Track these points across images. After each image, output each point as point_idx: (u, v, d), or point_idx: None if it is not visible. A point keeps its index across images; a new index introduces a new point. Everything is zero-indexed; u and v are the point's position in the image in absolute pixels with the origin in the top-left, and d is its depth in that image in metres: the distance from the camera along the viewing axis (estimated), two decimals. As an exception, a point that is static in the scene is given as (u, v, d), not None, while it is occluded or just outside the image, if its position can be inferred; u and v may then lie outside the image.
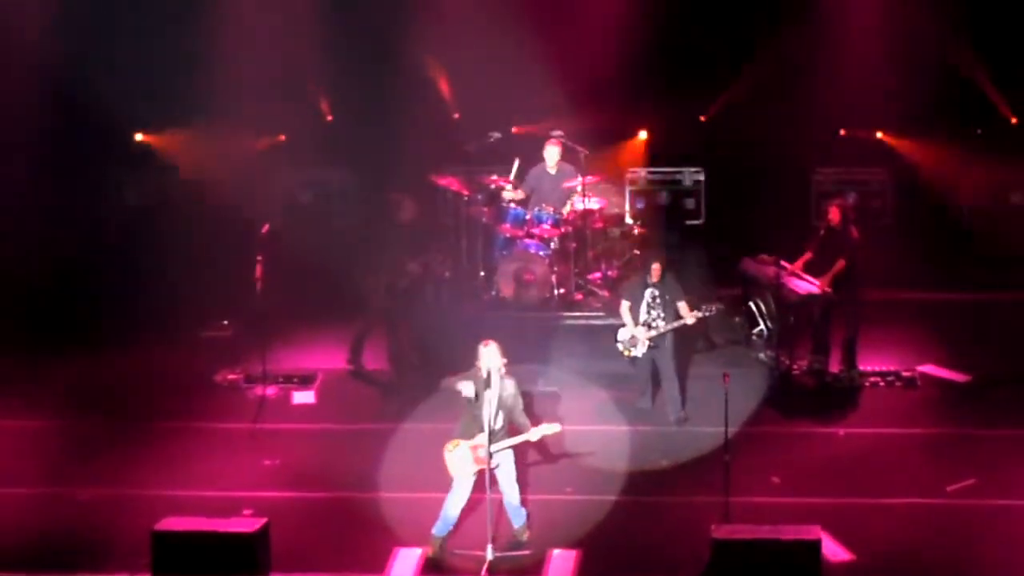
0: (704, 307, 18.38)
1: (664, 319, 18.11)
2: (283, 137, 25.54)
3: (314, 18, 24.27)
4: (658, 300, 18.15)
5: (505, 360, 14.69)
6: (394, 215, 19.82)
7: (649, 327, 18.18)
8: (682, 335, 18.53)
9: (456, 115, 24.79)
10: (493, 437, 14.61)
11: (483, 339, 14.81)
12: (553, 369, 19.40)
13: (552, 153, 20.91)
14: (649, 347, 18.24)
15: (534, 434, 14.79)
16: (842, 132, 24.53)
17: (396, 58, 24.07)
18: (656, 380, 18.52)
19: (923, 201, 24.09)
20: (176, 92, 23.98)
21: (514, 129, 22.57)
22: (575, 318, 20.38)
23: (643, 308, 18.22)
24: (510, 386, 14.77)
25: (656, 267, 18.11)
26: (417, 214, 20.07)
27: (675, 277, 18.45)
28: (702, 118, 24.84)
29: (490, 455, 14.61)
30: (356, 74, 24.37)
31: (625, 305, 18.39)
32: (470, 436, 14.73)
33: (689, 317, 18.07)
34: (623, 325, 18.41)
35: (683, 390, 18.44)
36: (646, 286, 18.21)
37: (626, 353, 18.46)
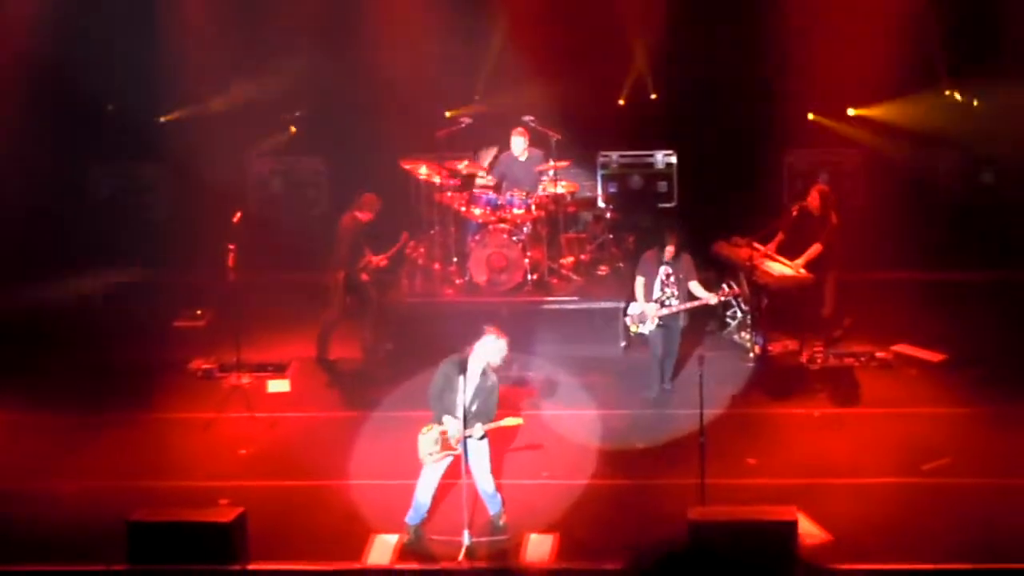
0: (720, 291, 18.48)
1: (677, 298, 18.03)
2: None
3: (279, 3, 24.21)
4: (672, 278, 18.05)
5: (500, 363, 14.71)
6: (360, 213, 19.77)
7: (662, 305, 18.08)
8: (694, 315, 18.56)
9: (426, 99, 24.70)
10: (465, 423, 14.60)
11: (499, 330, 14.88)
12: (527, 354, 19.37)
13: (518, 141, 20.88)
14: (658, 325, 18.11)
15: (492, 426, 14.77)
16: (810, 116, 24.45)
17: (363, 43, 23.97)
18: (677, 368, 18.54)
19: (896, 180, 24.04)
20: (145, 78, 23.91)
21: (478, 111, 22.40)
22: (548, 303, 20.36)
23: (656, 285, 18.11)
24: (490, 378, 14.76)
25: (670, 248, 17.97)
26: (379, 211, 19.99)
27: (690, 256, 18.33)
28: (653, 96, 24.69)
29: (464, 440, 14.61)
30: (324, 60, 24.26)
31: (639, 281, 18.25)
32: (442, 421, 14.73)
33: (711, 297, 18.07)
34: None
35: (676, 368, 18.53)
36: (660, 263, 18.09)
37: (633, 329, 18.36)
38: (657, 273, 18.07)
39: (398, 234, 20.43)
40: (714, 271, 20.59)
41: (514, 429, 15.36)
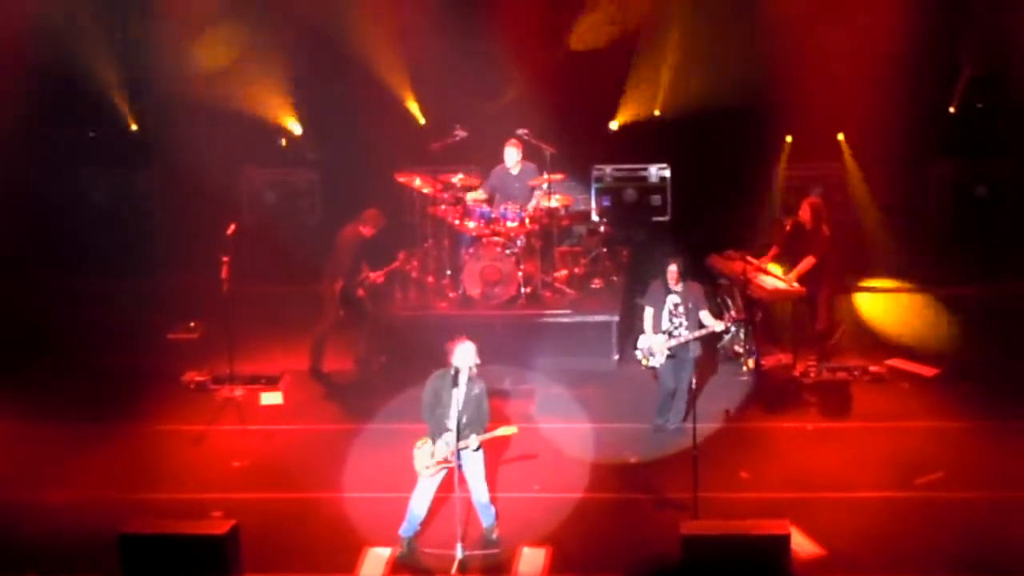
0: (728, 317, 18.23)
1: (687, 328, 17.45)
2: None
3: (278, 19, 24.23)
4: (680, 308, 17.44)
5: (478, 361, 14.69)
6: (363, 228, 19.77)
7: (670, 336, 17.42)
8: (706, 344, 17.92)
9: (422, 115, 24.71)
10: (458, 436, 14.61)
11: (458, 337, 14.80)
12: (520, 367, 19.38)
13: (511, 153, 20.89)
14: (668, 356, 17.52)
15: (486, 436, 14.75)
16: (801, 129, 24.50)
17: (359, 57, 24.00)
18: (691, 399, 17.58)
19: (889, 193, 24.08)
20: (140, 88, 23.97)
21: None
22: (542, 316, 20.36)
23: (665, 315, 17.46)
24: (477, 386, 14.76)
25: (673, 270, 17.35)
26: (382, 227, 20.00)
27: (699, 284, 17.86)
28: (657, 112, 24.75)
29: (458, 453, 14.61)
30: (320, 74, 24.29)
31: (648, 312, 17.59)
32: (437, 434, 14.72)
33: (717, 324, 17.41)
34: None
35: (690, 403, 17.26)
36: (668, 292, 17.45)
37: (644, 362, 17.63)
38: (665, 303, 17.45)
39: (393, 248, 20.45)
40: (708, 284, 20.63)
41: (508, 439, 15.36)
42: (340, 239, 19.88)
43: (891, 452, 17.14)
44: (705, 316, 17.40)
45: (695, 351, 17.51)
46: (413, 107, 24.54)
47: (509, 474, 16.50)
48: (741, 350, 19.63)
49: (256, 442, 17.92)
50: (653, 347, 17.50)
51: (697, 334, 17.37)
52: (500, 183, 20.99)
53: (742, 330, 19.56)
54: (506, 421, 15.19)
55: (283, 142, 25.26)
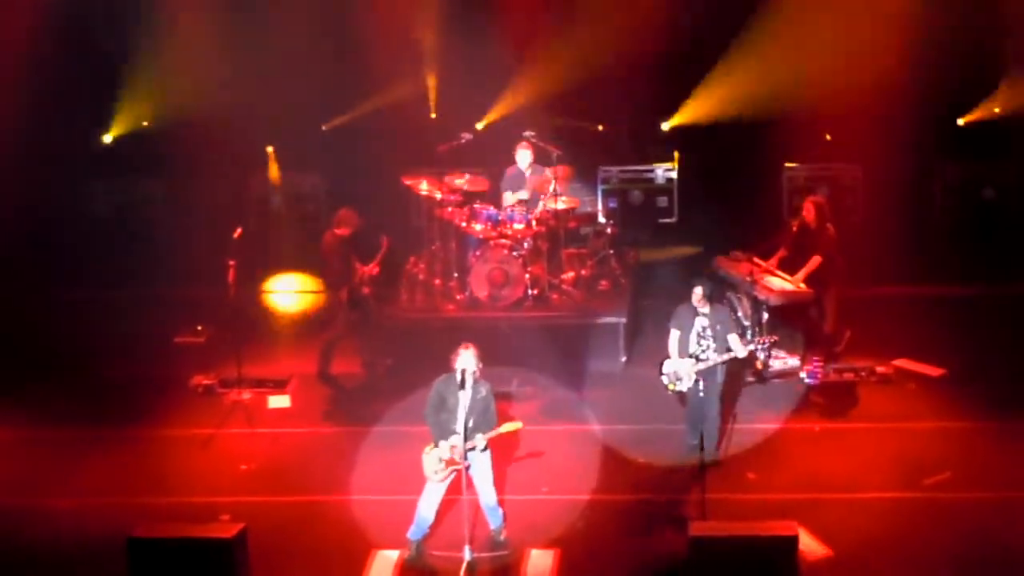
0: (756, 340, 17.82)
1: (716, 351, 16.85)
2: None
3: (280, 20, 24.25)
4: (708, 331, 16.85)
5: (481, 365, 14.70)
6: (339, 229, 19.77)
7: (697, 359, 16.84)
8: (730, 368, 17.42)
9: (432, 115, 24.74)
10: (465, 438, 14.62)
11: (461, 342, 14.81)
12: (527, 369, 19.39)
13: (524, 156, 20.94)
14: (695, 381, 16.96)
15: (492, 434, 14.75)
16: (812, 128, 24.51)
17: (366, 60, 24.03)
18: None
19: (895, 194, 24.07)
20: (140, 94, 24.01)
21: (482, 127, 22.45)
22: (549, 318, 20.36)
23: (692, 338, 16.90)
24: (483, 389, 14.77)
25: (698, 292, 16.83)
26: (359, 224, 19.96)
27: (727, 307, 17.67)
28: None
29: (465, 455, 14.62)
30: (326, 77, 24.32)
31: (674, 336, 16.98)
32: (444, 438, 14.73)
33: (741, 350, 16.90)
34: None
35: (722, 430, 17.26)
36: (695, 315, 16.91)
37: (671, 387, 17.00)
38: (693, 325, 16.99)
39: (401, 251, 20.48)
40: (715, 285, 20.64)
41: (515, 435, 15.37)
42: (322, 247, 19.91)
43: (898, 453, 17.13)
44: (733, 339, 16.91)
45: (722, 375, 17.08)
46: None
47: (517, 476, 16.51)
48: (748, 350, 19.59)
49: (264, 445, 17.92)
50: (680, 371, 16.93)
51: (724, 358, 16.87)
52: (515, 185, 21.02)
53: (749, 332, 19.52)
54: (518, 420, 15.20)
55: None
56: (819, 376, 19.25)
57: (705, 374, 16.88)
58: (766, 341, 17.72)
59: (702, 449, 15.81)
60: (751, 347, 17.21)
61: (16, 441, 18.28)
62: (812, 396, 18.92)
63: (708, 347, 16.84)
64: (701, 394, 16.85)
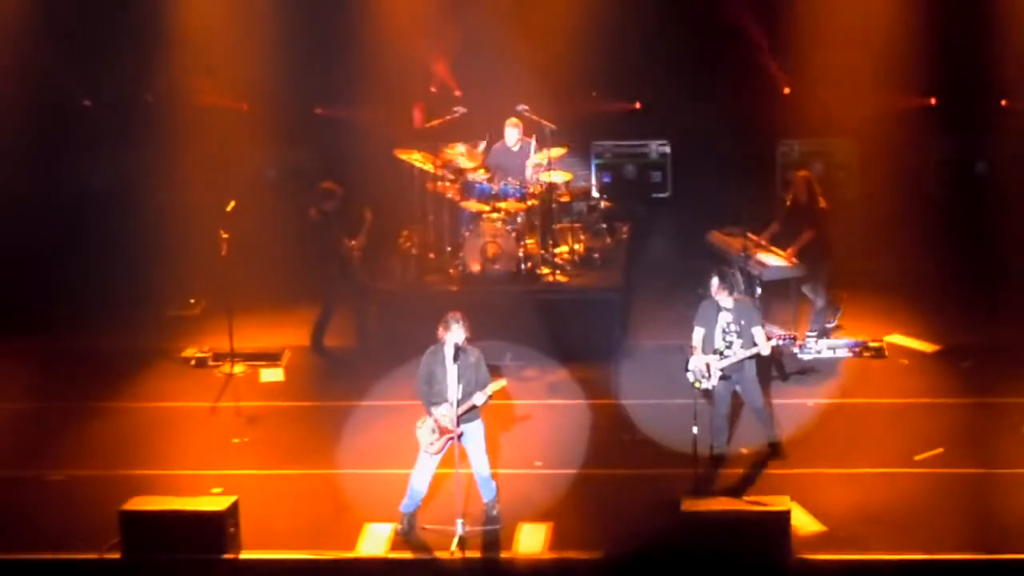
0: (779, 335, 17.12)
1: (742, 345, 16.31)
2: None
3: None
4: (732, 326, 16.32)
5: (467, 335, 14.67)
6: (322, 204, 19.73)
7: (722, 355, 16.31)
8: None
9: (432, 88, 24.64)
10: (457, 406, 14.61)
11: (448, 312, 14.79)
12: (520, 344, 19.36)
13: (511, 132, 20.86)
14: (721, 377, 16.39)
15: (479, 397, 14.72)
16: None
17: (358, 35, 23.92)
18: (732, 420, 16.94)
19: (889, 170, 24.02)
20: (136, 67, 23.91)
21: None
22: (542, 293, 20.32)
23: (717, 334, 16.37)
24: (472, 355, 14.75)
25: (715, 282, 16.31)
26: (343, 199, 19.92)
27: (751, 301, 17.42)
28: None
29: (458, 421, 14.59)
30: (319, 51, 24.21)
31: (698, 332, 16.38)
32: (436, 407, 14.73)
33: (764, 346, 16.25)
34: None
35: (772, 417, 16.91)
36: (719, 310, 16.36)
37: (697, 385, 16.16)
38: (717, 321, 16.48)
39: (394, 224, 20.45)
40: (707, 260, 20.60)
41: (509, 409, 15.36)
42: (308, 223, 19.89)
43: (891, 428, 17.16)
44: (758, 333, 16.39)
45: (751, 368, 16.59)
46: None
47: (510, 450, 16.51)
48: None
49: (256, 418, 17.92)
50: (705, 368, 16.42)
51: (749, 353, 16.35)
52: (501, 160, 20.95)
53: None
54: (507, 399, 15.19)
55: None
56: (811, 351, 19.26)
57: (731, 370, 16.42)
58: (789, 335, 17.58)
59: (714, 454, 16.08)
60: (774, 342, 16.50)
61: (7, 412, 18.27)
62: (805, 371, 18.91)
63: (733, 343, 16.37)
64: (736, 387, 16.56)
